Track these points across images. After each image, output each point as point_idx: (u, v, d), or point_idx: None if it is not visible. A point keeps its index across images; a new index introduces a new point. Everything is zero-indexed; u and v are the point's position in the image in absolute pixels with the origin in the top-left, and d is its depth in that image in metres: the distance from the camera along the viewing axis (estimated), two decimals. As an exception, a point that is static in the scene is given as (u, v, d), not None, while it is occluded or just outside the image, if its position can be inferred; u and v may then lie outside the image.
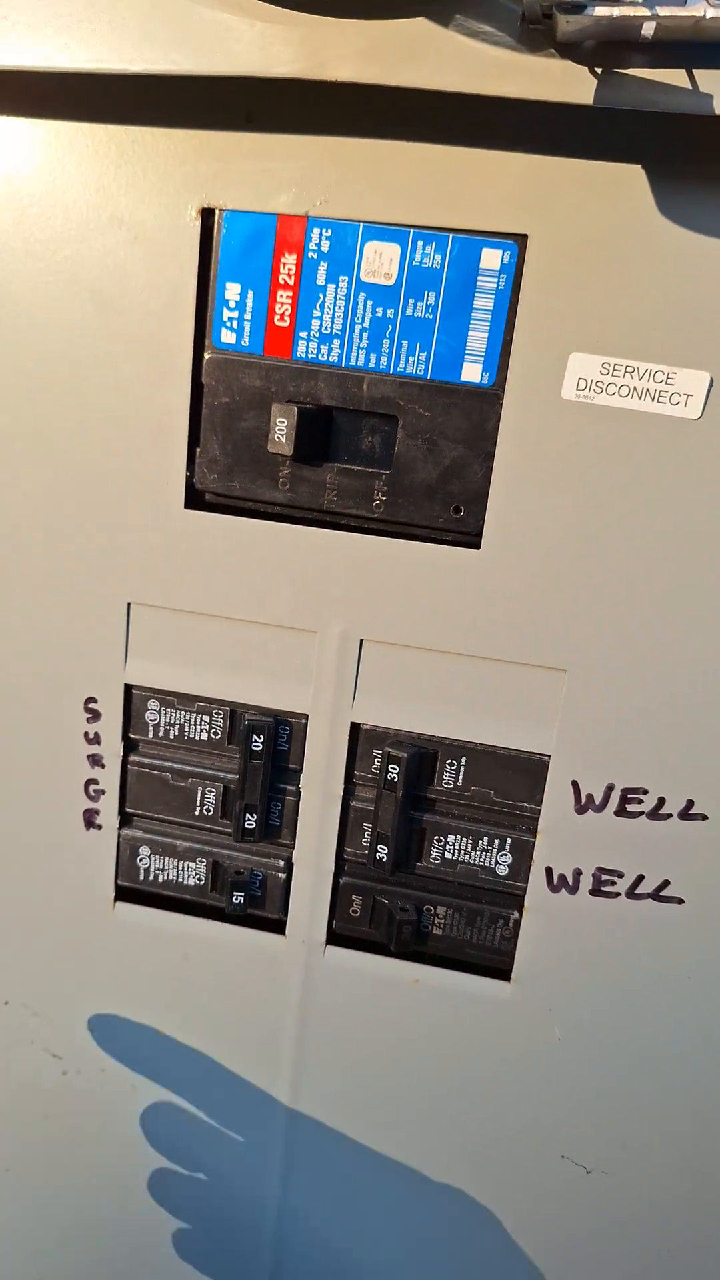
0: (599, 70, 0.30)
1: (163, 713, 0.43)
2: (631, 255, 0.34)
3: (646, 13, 0.28)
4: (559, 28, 0.29)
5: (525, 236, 0.35)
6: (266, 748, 0.42)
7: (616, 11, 0.28)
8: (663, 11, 0.28)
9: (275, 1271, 0.49)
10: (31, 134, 0.37)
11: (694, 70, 0.30)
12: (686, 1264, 0.45)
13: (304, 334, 0.38)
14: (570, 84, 0.31)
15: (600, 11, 0.28)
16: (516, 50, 0.31)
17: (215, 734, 0.43)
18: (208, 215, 0.37)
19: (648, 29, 0.28)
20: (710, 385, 0.35)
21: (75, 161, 0.37)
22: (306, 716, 0.42)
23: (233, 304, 0.38)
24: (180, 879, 0.45)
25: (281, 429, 0.38)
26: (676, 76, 0.30)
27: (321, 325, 0.37)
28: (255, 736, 0.41)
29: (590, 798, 0.40)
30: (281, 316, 0.38)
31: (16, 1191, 0.51)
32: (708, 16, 0.28)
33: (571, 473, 0.36)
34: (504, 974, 0.43)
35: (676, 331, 0.34)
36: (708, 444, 0.35)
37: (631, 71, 0.30)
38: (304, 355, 0.38)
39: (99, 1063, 0.48)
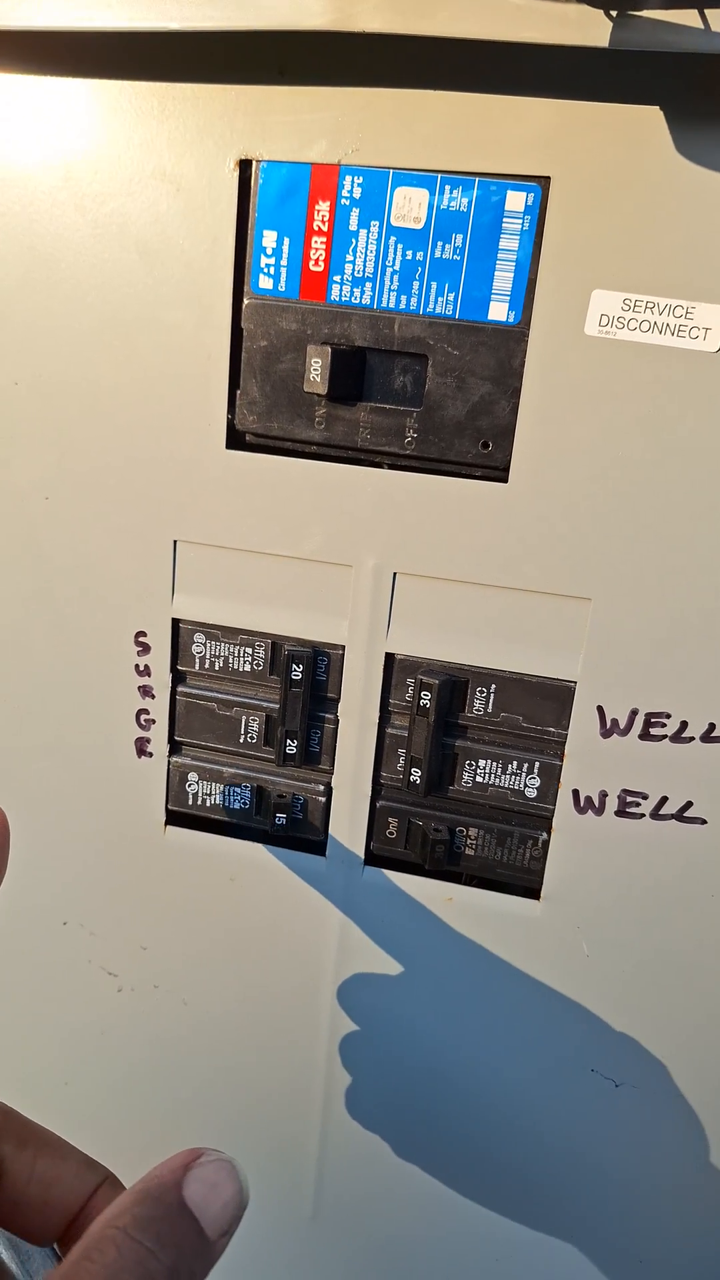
0: (614, 13, 0.32)
1: (208, 645, 0.45)
2: (650, 194, 0.35)
3: (658, -46, 0.29)
4: (575, -28, 0.30)
5: (548, 179, 0.36)
6: (306, 677, 0.44)
7: (629, -46, 0.29)
8: (674, -48, 0.29)
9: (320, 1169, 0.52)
10: (76, 93, 0.39)
11: (705, 10, 0.31)
12: (716, 1178, 0.47)
13: (338, 278, 0.40)
14: (586, 28, 0.32)
15: (613, -45, 0.29)
16: (535, -5, 0.32)
17: (258, 665, 0.45)
18: (245, 166, 0.39)
19: (660, -30, 0.30)
20: (727, 318, 0.36)
21: (119, 118, 0.39)
22: (344, 647, 0.44)
23: (269, 251, 0.40)
24: (227, 803, 0.47)
25: (316, 369, 0.40)
26: (690, 17, 0.31)
27: (354, 269, 0.39)
28: (295, 666, 0.44)
29: (615, 722, 0.41)
30: (316, 262, 0.40)
31: (76, 1105, 0.55)
32: (717, -44, 0.29)
33: (595, 407, 0.38)
34: (534, 892, 0.45)
35: (695, 267, 0.36)
36: (725, 376, 0.37)
37: (645, 13, 0.31)
38: (338, 299, 0.40)
39: (153, 979, 0.51)
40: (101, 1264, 0.22)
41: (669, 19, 0.31)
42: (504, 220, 0.37)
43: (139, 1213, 0.24)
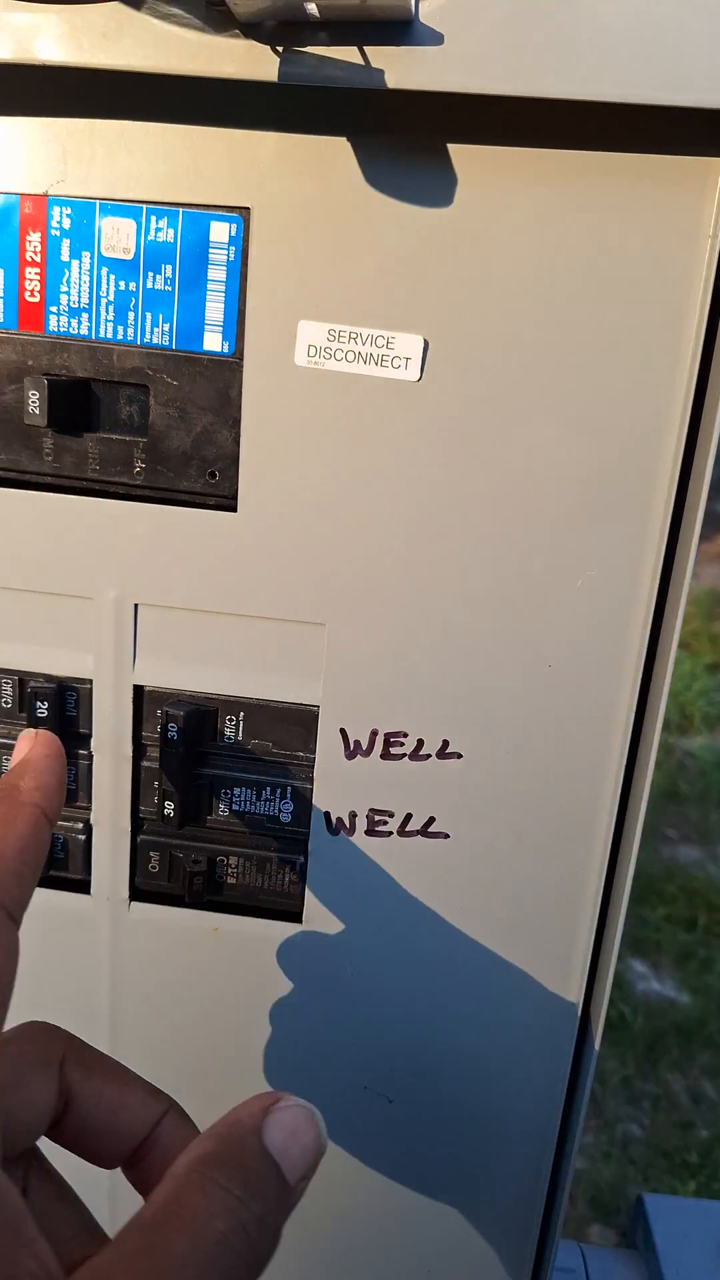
0: (280, 49, 0.32)
1: (-47, 685, 0.44)
2: (345, 225, 0.36)
3: (308, -6, 0.30)
4: (234, 9, 0.31)
5: (248, 209, 0.37)
6: (53, 714, 0.43)
7: (280, -7, 0.30)
8: (321, -8, 0.30)
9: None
10: None
11: (365, 48, 0.32)
12: (484, 1184, 0.48)
13: (54, 308, 0.39)
14: (256, 62, 0.32)
15: (264, -7, 0.30)
16: (204, 31, 0.32)
17: (5, 703, 0.44)
18: (-50, 197, 0.38)
19: (311, 8, 0.30)
20: (425, 348, 0.37)
21: None
22: (91, 681, 0.43)
23: (-18, 283, 0.39)
24: (-16, 845, 0.46)
25: (34, 401, 0.39)
26: (353, 54, 0.32)
27: (70, 299, 0.39)
28: (39, 703, 0.43)
29: (358, 743, 0.42)
30: (32, 293, 0.39)
31: None
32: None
33: (311, 436, 0.38)
34: (296, 916, 0.45)
35: (392, 297, 0.36)
36: (428, 404, 0.37)
37: (310, 50, 0.32)
38: (56, 329, 0.39)
39: None
40: (192, 1210, 0.22)
41: (333, 55, 0.32)
42: (210, 250, 0.37)
43: (225, 1157, 0.24)
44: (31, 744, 0.31)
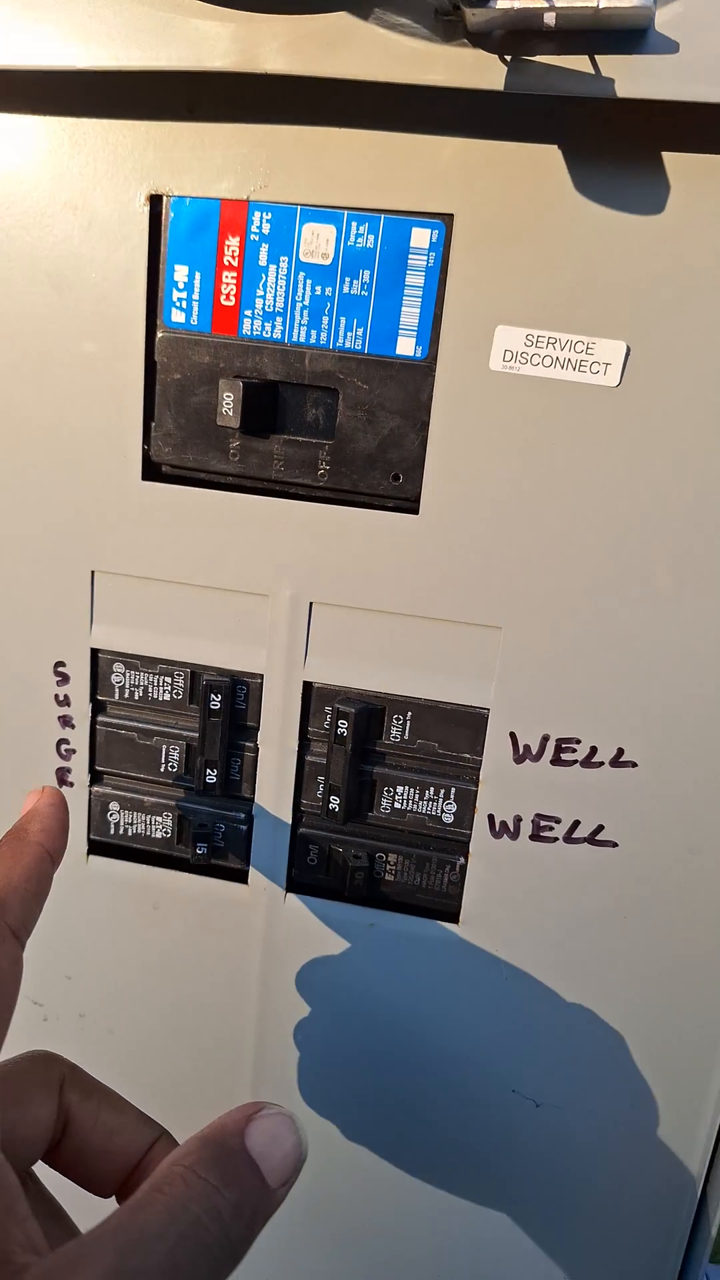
0: (509, 58, 0.32)
1: (127, 675, 0.45)
2: (551, 231, 0.36)
3: (546, 4, 0.30)
4: (468, 19, 0.31)
5: (452, 216, 0.37)
6: (225, 706, 0.44)
7: (518, 4, 0.30)
8: (560, 3, 0.30)
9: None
10: (-12, 126, 0.39)
11: (596, 56, 0.32)
12: (635, 1193, 0.47)
13: (249, 312, 0.40)
14: (483, 71, 0.33)
15: (503, 4, 0.30)
16: (432, 40, 0.33)
17: (177, 694, 0.45)
18: (156, 201, 0.39)
19: (549, 18, 0.30)
20: (627, 354, 0.37)
21: (30, 153, 0.39)
22: (262, 676, 0.44)
23: (181, 285, 0.40)
24: (148, 832, 0.47)
25: (228, 403, 0.40)
26: (581, 62, 0.32)
27: (265, 304, 0.40)
28: (213, 696, 0.44)
29: (528, 748, 0.42)
30: (227, 296, 0.40)
31: None
32: (602, 7, 0.30)
33: (501, 440, 0.39)
34: (453, 916, 0.45)
35: (594, 303, 0.37)
36: (627, 410, 0.37)
37: (539, 58, 0.32)
38: (249, 333, 0.40)
39: (78, 1008, 0.51)
40: (170, 1195, 0.24)
41: (562, 63, 0.32)
42: (410, 257, 0.38)
43: (205, 1155, 0.25)
44: (39, 798, 0.35)
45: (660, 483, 0.38)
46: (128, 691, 0.46)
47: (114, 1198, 0.32)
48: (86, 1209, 0.31)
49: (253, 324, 0.40)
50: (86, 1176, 0.32)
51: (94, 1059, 0.51)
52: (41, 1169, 0.32)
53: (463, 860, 0.44)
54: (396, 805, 0.45)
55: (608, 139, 0.35)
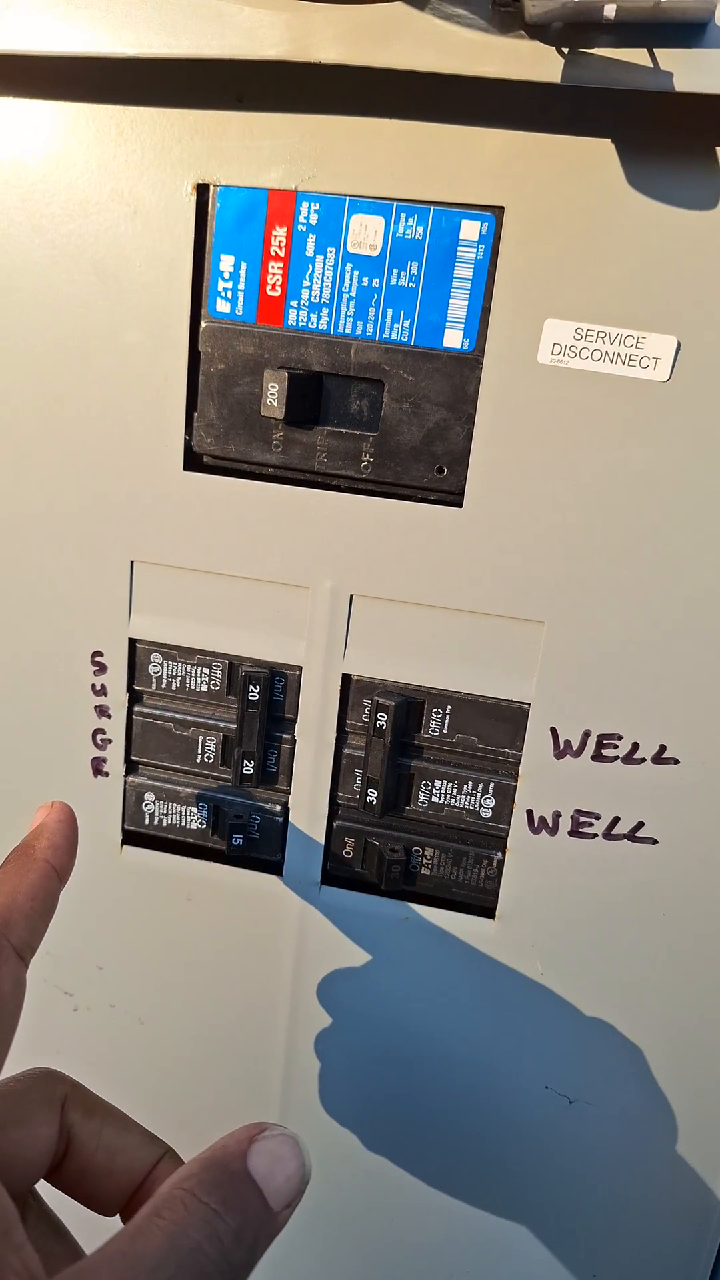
0: (566, 50, 0.32)
1: (165, 665, 0.45)
2: (602, 225, 0.36)
3: (607, -4, 0.30)
4: (526, 10, 0.31)
5: (502, 208, 0.37)
6: (263, 698, 0.44)
7: (579, -5, 0.30)
8: (622, -6, 0.30)
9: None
10: (35, 115, 0.39)
11: (655, 49, 0.32)
12: (665, 1188, 0.47)
13: (294, 303, 0.40)
14: (539, 63, 0.32)
15: (563, -5, 0.30)
16: (488, 32, 0.33)
17: (215, 685, 0.45)
18: (202, 190, 0.39)
19: (609, 11, 0.30)
20: (678, 349, 0.36)
21: (77, 140, 0.39)
22: (300, 668, 0.44)
23: (227, 275, 0.40)
24: (183, 823, 0.47)
25: (273, 393, 0.40)
26: (639, 55, 0.32)
27: (311, 294, 0.40)
28: (252, 687, 0.44)
29: (568, 743, 0.42)
30: (273, 286, 0.40)
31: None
32: (663, 1, 0.29)
33: (548, 434, 0.38)
34: (489, 912, 0.45)
35: (645, 298, 0.36)
36: (676, 405, 0.37)
37: (596, 51, 0.32)
38: (295, 323, 0.40)
39: (109, 998, 0.51)
40: (171, 1220, 0.23)
41: (619, 57, 0.32)
42: (459, 249, 0.38)
43: (205, 1177, 0.25)
44: (48, 813, 0.34)
45: (708, 478, 0.38)
46: (165, 682, 0.46)
47: (118, 1215, 0.32)
48: (90, 1223, 0.31)
49: (298, 315, 0.40)
50: (90, 1196, 0.31)
51: (124, 1050, 0.51)
52: (44, 1186, 0.32)
53: (500, 855, 0.44)
54: (434, 799, 0.45)
55: (662, 133, 0.35)
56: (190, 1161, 0.26)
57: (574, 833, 0.43)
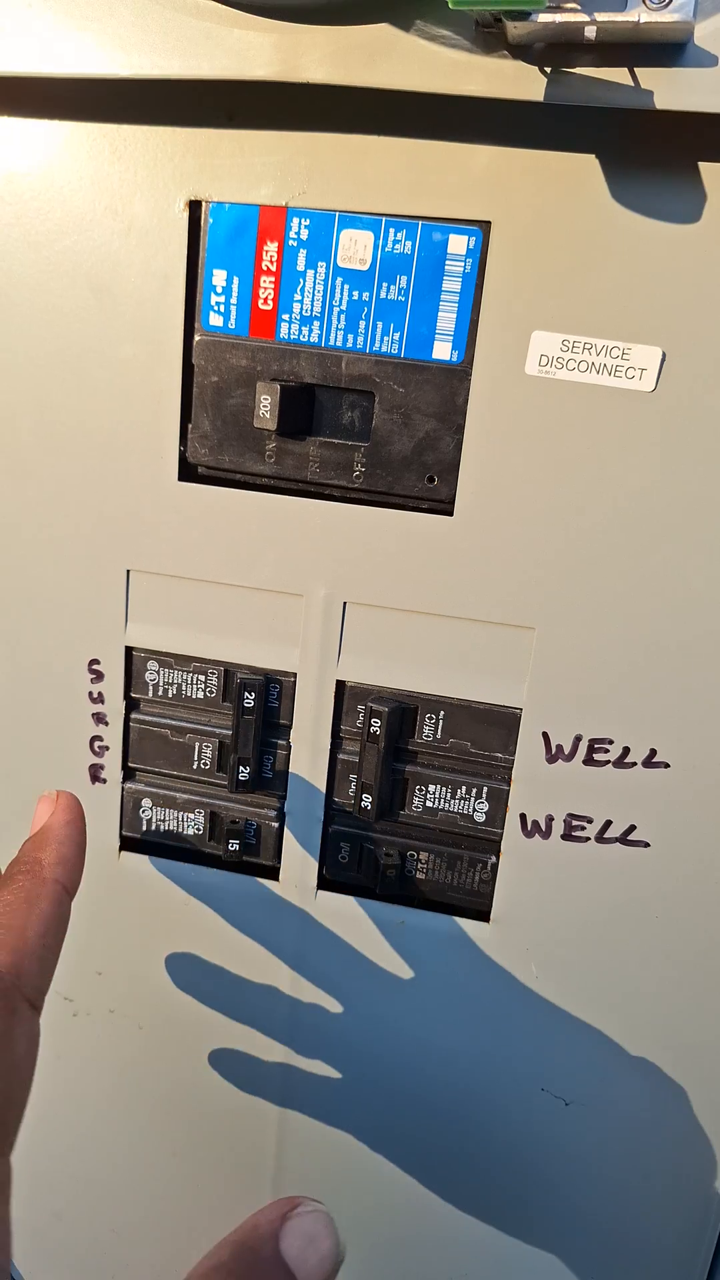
0: (548, 70, 0.33)
1: (161, 673, 0.46)
2: (587, 239, 0.37)
3: (587, 18, 0.31)
4: (509, 32, 0.31)
5: (489, 223, 0.38)
6: (258, 704, 0.45)
7: (559, 17, 0.31)
8: (601, 17, 0.30)
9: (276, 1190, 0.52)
10: (30, 133, 0.40)
11: (635, 68, 0.32)
12: (663, 1188, 0.48)
13: (286, 316, 0.40)
14: (522, 82, 0.33)
15: (544, 18, 0.31)
16: (472, 52, 0.33)
17: (210, 692, 0.46)
18: (195, 207, 0.40)
19: (590, 32, 0.31)
20: (663, 359, 0.37)
21: (71, 158, 0.40)
22: (295, 675, 0.45)
23: (219, 289, 0.41)
24: (180, 829, 0.48)
25: (266, 405, 0.40)
26: (620, 74, 0.33)
27: (302, 308, 0.40)
28: (247, 694, 0.44)
29: (560, 748, 0.42)
30: (265, 300, 0.41)
31: (29, 1130, 0.55)
32: (642, 21, 0.30)
33: (536, 444, 0.39)
34: (484, 915, 0.46)
35: (630, 310, 0.37)
36: (661, 414, 0.38)
37: (579, 70, 0.33)
38: (286, 336, 0.41)
39: (108, 1004, 0.51)
40: None
41: (601, 76, 0.33)
42: (446, 262, 0.38)
43: (237, 1267, 0.23)
44: (52, 809, 0.32)
45: (694, 486, 0.38)
46: (161, 689, 0.46)
47: None
48: None
49: (290, 328, 0.41)
50: None
51: (123, 1055, 0.52)
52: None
53: (494, 859, 0.45)
54: (428, 804, 0.45)
55: (645, 149, 0.36)
56: (220, 1245, 0.24)
57: (567, 836, 0.43)
